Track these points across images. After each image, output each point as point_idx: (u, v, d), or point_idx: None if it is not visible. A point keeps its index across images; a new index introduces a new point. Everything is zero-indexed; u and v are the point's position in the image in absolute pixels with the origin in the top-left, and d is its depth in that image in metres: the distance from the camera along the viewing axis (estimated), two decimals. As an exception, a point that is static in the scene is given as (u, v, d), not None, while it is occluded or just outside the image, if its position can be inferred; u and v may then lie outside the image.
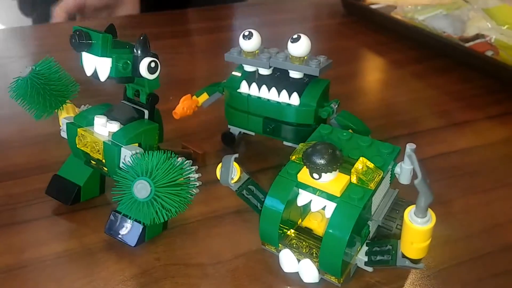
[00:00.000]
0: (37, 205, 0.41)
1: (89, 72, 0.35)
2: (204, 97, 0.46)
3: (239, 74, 0.46)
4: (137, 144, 0.37)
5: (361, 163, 0.32)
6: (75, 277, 0.35)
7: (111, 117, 0.37)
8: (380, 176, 0.32)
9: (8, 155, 0.49)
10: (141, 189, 0.31)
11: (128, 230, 0.36)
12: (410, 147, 0.30)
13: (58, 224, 0.40)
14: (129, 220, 0.36)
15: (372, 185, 0.31)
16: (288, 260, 0.33)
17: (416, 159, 0.27)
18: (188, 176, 0.33)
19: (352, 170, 0.32)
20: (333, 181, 0.31)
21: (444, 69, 0.68)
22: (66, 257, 0.36)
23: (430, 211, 0.28)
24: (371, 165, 0.32)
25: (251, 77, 0.45)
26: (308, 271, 0.32)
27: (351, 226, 0.30)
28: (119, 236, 0.36)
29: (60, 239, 0.38)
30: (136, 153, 0.34)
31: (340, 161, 0.30)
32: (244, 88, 0.45)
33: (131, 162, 0.33)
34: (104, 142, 0.36)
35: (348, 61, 0.72)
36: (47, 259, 0.36)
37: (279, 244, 0.33)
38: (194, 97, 0.46)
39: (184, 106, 0.45)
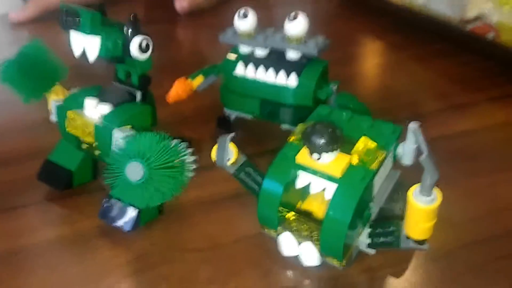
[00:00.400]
0: (29, 191, 0.40)
1: (77, 53, 0.34)
2: (199, 80, 0.45)
3: (235, 56, 0.45)
4: (130, 127, 0.35)
5: (362, 143, 0.31)
6: (69, 263, 0.34)
7: (102, 99, 0.36)
8: (382, 157, 0.31)
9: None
10: (134, 171, 0.30)
11: (123, 215, 0.35)
12: (413, 125, 0.29)
13: (51, 210, 0.39)
14: (123, 205, 0.35)
15: (374, 165, 0.30)
16: (288, 244, 0.32)
17: (421, 134, 0.26)
18: (183, 158, 0.32)
19: (353, 150, 0.31)
20: (333, 162, 0.30)
21: (444, 52, 0.67)
22: (59, 243, 0.35)
23: (435, 190, 0.27)
24: (372, 145, 0.31)
25: (247, 59, 0.44)
26: (309, 254, 0.31)
27: (352, 208, 0.29)
28: (114, 221, 0.35)
29: (53, 225, 0.37)
30: (129, 135, 0.33)
31: (340, 141, 0.29)
32: (240, 70, 0.44)
33: (123, 144, 0.32)
34: (95, 124, 0.35)
35: (346, 45, 0.71)
36: (40, 245, 0.35)
37: (279, 228, 0.32)
38: (189, 80, 0.44)
39: (178, 89, 0.43)
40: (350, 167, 0.30)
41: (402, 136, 0.33)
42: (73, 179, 0.39)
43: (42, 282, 0.32)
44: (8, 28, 0.80)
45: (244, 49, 0.44)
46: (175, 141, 0.32)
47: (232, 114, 0.47)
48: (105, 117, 0.35)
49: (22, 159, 0.44)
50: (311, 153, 0.30)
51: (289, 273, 0.33)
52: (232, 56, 0.45)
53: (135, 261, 0.34)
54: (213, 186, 0.40)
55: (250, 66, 0.43)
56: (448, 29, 0.67)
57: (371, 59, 0.72)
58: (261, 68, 0.43)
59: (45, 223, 0.37)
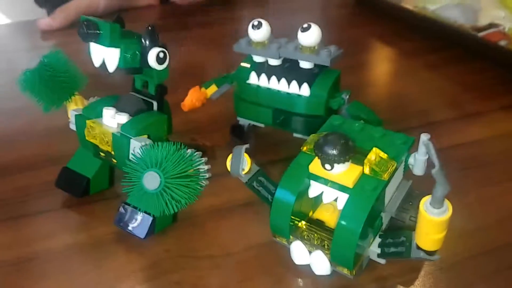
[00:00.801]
0: (46, 198, 0.41)
1: (97, 63, 0.35)
2: (212, 88, 0.46)
3: (248, 65, 0.45)
4: (146, 136, 0.36)
5: (374, 154, 0.31)
6: (84, 269, 0.35)
7: (119, 109, 0.37)
8: (394, 167, 0.31)
9: (17, 148, 0.49)
10: (151, 180, 0.30)
11: (138, 222, 0.36)
12: (424, 136, 0.29)
13: (67, 216, 0.40)
14: (139, 212, 0.36)
15: (385, 176, 0.31)
16: (299, 252, 0.33)
17: (433, 147, 0.26)
18: (197, 167, 0.33)
19: (365, 161, 0.31)
20: (345, 172, 0.31)
21: (457, 59, 0.67)
22: (75, 249, 0.36)
23: (446, 202, 0.27)
24: (384, 155, 0.32)
25: (260, 68, 0.44)
26: (320, 263, 0.32)
27: (364, 218, 0.29)
28: (129, 228, 0.36)
29: (70, 231, 0.38)
30: (146, 144, 0.34)
31: (352, 152, 0.30)
32: (253, 79, 0.45)
33: (140, 153, 0.32)
34: (113, 133, 0.36)
35: (358, 52, 0.71)
36: (57, 251, 0.36)
37: (290, 236, 0.33)
38: (203, 88, 0.45)
39: (192, 98, 0.44)
40: (362, 177, 0.31)
41: (414, 146, 0.33)
42: (90, 186, 0.40)
43: (58, 287, 0.33)
44: (30, 35, 0.82)
45: (257, 58, 0.45)
46: (190, 151, 0.33)
47: (246, 122, 0.47)
48: (123, 127, 0.36)
49: (41, 166, 0.45)
50: (323, 164, 0.30)
51: (300, 281, 0.33)
52: (245, 65, 0.46)
53: (149, 267, 0.34)
54: (226, 194, 0.41)
55: (263, 75, 0.44)
56: (460, 36, 0.68)
57: (383, 66, 0.72)
58: (274, 78, 0.43)
59: (62, 229, 0.38)
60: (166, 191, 0.31)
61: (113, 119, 0.36)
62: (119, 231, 0.37)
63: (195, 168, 0.32)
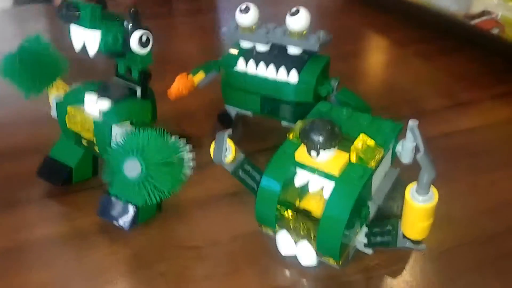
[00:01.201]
0: (29, 188, 0.40)
1: (77, 47, 0.34)
2: (200, 76, 0.45)
3: (236, 51, 0.44)
4: (129, 122, 0.35)
5: (361, 141, 0.31)
6: (67, 260, 0.34)
7: (102, 95, 0.36)
8: (381, 154, 0.31)
9: (0, 136, 0.48)
10: (132, 167, 0.29)
11: (121, 212, 0.35)
12: (412, 122, 0.28)
13: (50, 206, 0.39)
14: (122, 202, 0.35)
15: (372, 163, 0.30)
16: (285, 242, 0.32)
17: (419, 132, 0.26)
18: (181, 155, 0.32)
19: (352, 148, 0.30)
20: (331, 160, 0.30)
21: (449, 48, 0.66)
22: (58, 240, 0.36)
23: (432, 189, 0.26)
24: (371, 142, 0.31)
25: (248, 54, 0.43)
26: (306, 253, 0.31)
27: (350, 206, 0.28)
28: (112, 218, 0.35)
29: (53, 221, 0.37)
30: (128, 131, 0.33)
31: (338, 138, 0.29)
32: (241, 65, 0.44)
33: (121, 140, 0.32)
34: (94, 120, 0.35)
35: (350, 41, 0.70)
36: (39, 241, 0.35)
37: (276, 226, 0.32)
38: (190, 76, 0.44)
39: (179, 85, 0.43)
40: (349, 165, 0.30)
41: (402, 134, 0.32)
42: (73, 175, 0.39)
43: (40, 278, 0.33)
44: (12, 22, 0.80)
45: (245, 44, 0.44)
46: (174, 138, 0.32)
47: (233, 110, 0.46)
48: (104, 113, 0.35)
49: (23, 155, 0.44)
50: (309, 150, 0.29)
51: (286, 271, 0.33)
52: (233, 52, 0.45)
53: (133, 258, 0.34)
54: (212, 183, 0.40)
55: (251, 62, 0.43)
56: (452, 25, 0.67)
57: (375, 55, 0.71)
58: (262, 64, 0.42)
59: (44, 219, 0.37)
60: (148, 180, 0.30)
61: (95, 105, 0.35)
62: (102, 222, 0.36)
63: (178, 156, 0.32)
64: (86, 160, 0.39)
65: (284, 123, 0.44)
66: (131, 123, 0.35)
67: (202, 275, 0.33)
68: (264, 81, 0.42)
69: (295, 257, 0.32)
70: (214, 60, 0.46)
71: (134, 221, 0.35)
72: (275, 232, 0.33)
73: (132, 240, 0.35)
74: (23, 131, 0.48)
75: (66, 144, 0.39)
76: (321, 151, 0.29)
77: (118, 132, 0.34)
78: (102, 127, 0.35)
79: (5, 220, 0.37)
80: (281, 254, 0.33)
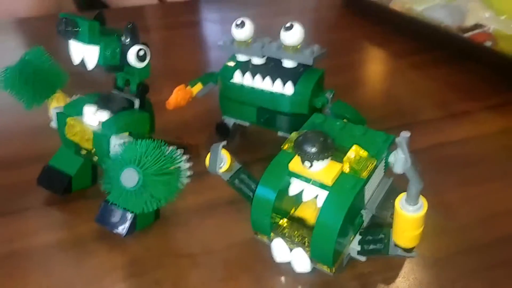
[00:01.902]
0: (28, 196, 0.41)
1: (77, 61, 0.35)
2: (198, 87, 0.46)
3: (233, 64, 0.45)
4: (127, 134, 0.36)
5: (354, 152, 0.32)
6: (65, 267, 0.34)
7: (101, 106, 0.37)
8: (373, 165, 0.32)
9: (1, 145, 0.48)
10: (129, 177, 0.30)
11: (119, 220, 0.35)
12: (403, 134, 0.29)
13: (49, 214, 0.39)
14: (119, 210, 0.35)
15: (364, 173, 0.31)
16: (280, 249, 0.33)
17: (406, 145, 0.26)
18: (178, 165, 0.33)
19: (345, 159, 0.31)
20: (325, 170, 0.31)
21: (443, 60, 0.67)
22: (57, 247, 0.36)
23: (422, 198, 0.27)
24: (364, 153, 0.32)
25: (244, 67, 0.45)
26: (300, 260, 0.32)
27: (342, 215, 0.29)
28: (110, 226, 0.36)
29: (51, 229, 0.38)
30: (126, 141, 0.34)
31: (331, 149, 0.30)
32: (237, 78, 0.45)
33: (119, 150, 0.32)
34: (93, 131, 0.36)
35: (345, 53, 0.71)
36: (37, 249, 0.36)
37: (271, 234, 0.33)
38: (188, 87, 0.45)
39: (177, 96, 0.44)
40: (341, 175, 0.31)
41: (395, 145, 0.33)
42: (72, 184, 0.40)
43: (38, 285, 0.33)
44: (12, 33, 0.81)
45: (241, 57, 0.45)
46: (171, 148, 0.33)
47: (230, 120, 0.47)
48: (103, 124, 0.36)
49: (23, 164, 0.45)
50: (303, 161, 0.30)
51: (281, 278, 0.33)
52: (230, 64, 0.46)
53: (130, 265, 0.34)
54: (209, 192, 0.41)
55: (248, 74, 0.44)
56: (446, 37, 0.68)
57: (371, 67, 0.73)
58: (258, 76, 0.43)
59: (43, 227, 0.38)
60: (146, 188, 0.31)
61: (94, 116, 0.36)
62: (101, 229, 0.36)
63: (175, 166, 0.32)
64: (85, 169, 0.40)
65: (280, 134, 0.45)
66: (130, 134, 0.36)
67: (197, 283, 0.33)
68: (261, 93, 0.43)
69: (289, 264, 0.33)
70: (211, 72, 0.47)
71: (132, 228, 0.35)
72: (270, 240, 0.33)
73: (129, 247, 0.36)
74: (20, 141, 0.49)
75: (66, 154, 0.40)
76: (314, 162, 0.30)
77: (116, 143, 0.35)
78: (100, 137, 0.36)
79: (5, 228, 0.38)
80: (276, 261, 0.33)
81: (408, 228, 0.27)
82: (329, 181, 0.30)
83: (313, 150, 0.29)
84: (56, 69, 0.38)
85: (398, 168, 0.32)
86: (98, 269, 0.34)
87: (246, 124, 0.47)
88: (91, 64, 0.34)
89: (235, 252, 0.35)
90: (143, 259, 0.35)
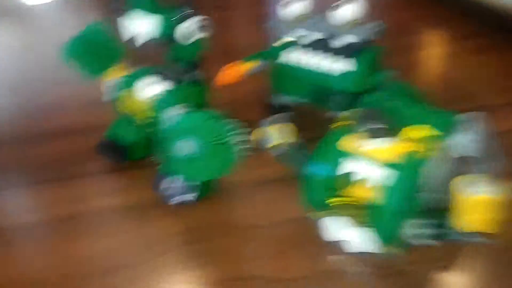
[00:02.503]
0: (89, 163, 0.43)
1: (130, 35, 0.35)
2: (249, 65, 0.45)
3: (287, 41, 0.44)
4: (183, 105, 0.36)
5: (418, 132, 0.30)
6: (122, 231, 0.36)
7: (158, 79, 0.37)
8: (438, 145, 0.30)
9: (63, 115, 0.51)
10: (186, 146, 0.31)
11: (176, 188, 0.36)
12: (473, 114, 0.28)
13: (107, 181, 0.41)
14: (176, 179, 0.36)
15: (428, 153, 0.30)
16: (332, 228, 0.32)
17: (481, 124, 0.25)
18: (234, 138, 0.33)
19: (408, 138, 0.30)
20: (387, 149, 0.30)
21: (508, 43, 0.64)
22: (114, 212, 0.37)
23: (496, 182, 0.26)
24: (429, 133, 0.31)
25: (299, 44, 0.43)
26: (353, 239, 0.31)
27: (403, 195, 0.28)
28: (166, 194, 0.36)
29: (110, 195, 0.39)
30: (182, 112, 0.34)
31: (394, 128, 0.29)
32: (292, 55, 0.44)
33: (177, 120, 0.33)
34: (150, 102, 0.36)
35: (406, 34, 0.69)
36: (95, 213, 0.37)
37: (324, 212, 0.33)
38: (239, 64, 0.45)
39: (229, 73, 0.44)
40: (404, 154, 0.30)
41: (462, 126, 0.32)
42: (130, 153, 0.41)
43: (96, 246, 0.35)
44: (72, 11, 0.84)
45: (296, 34, 0.44)
46: (227, 121, 0.33)
47: (283, 98, 0.47)
48: (161, 95, 0.36)
49: (85, 132, 0.47)
50: (365, 138, 0.30)
51: (333, 257, 0.33)
52: (283, 41, 0.45)
53: (184, 233, 0.35)
54: (263, 168, 0.41)
55: (302, 51, 0.43)
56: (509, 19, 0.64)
57: (433, 49, 0.69)
58: (313, 53, 0.42)
59: (102, 192, 0.40)
60: (203, 158, 0.31)
61: (151, 88, 0.37)
62: (157, 197, 0.37)
63: (231, 138, 0.32)
64: (142, 138, 0.41)
65: (333, 113, 0.44)
66: (185, 106, 0.36)
67: (249, 254, 0.33)
68: (314, 70, 0.42)
69: (341, 243, 0.32)
70: (265, 50, 0.46)
71: (187, 197, 0.36)
72: (321, 218, 0.33)
73: (184, 216, 0.36)
74: (80, 111, 0.51)
75: (123, 124, 0.41)
76: (377, 140, 0.29)
77: (172, 113, 0.35)
78: (158, 108, 0.36)
79: (66, 192, 0.40)
80: (327, 240, 0.33)
81: (475, 210, 0.26)
82: (391, 160, 0.30)
83: (377, 128, 0.29)
84: (114, 44, 0.39)
85: (465, 149, 0.31)
86: (154, 235, 0.35)
87: (299, 102, 0.46)
88: (144, 37, 0.34)
89: (287, 228, 0.35)
90: (197, 229, 0.35)
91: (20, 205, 0.39)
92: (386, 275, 0.32)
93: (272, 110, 0.47)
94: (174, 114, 0.35)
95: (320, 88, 0.43)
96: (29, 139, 0.47)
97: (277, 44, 0.45)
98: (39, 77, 0.60)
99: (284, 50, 0.44)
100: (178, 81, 0.38)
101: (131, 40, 0.35)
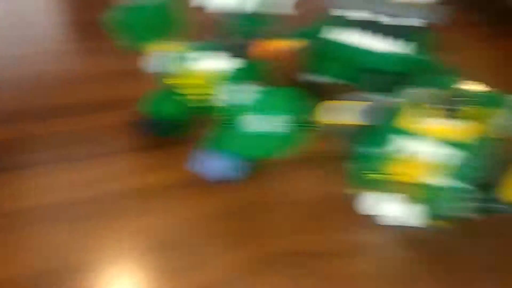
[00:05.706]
0: (122, 139, 0.41)
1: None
2: (288, 43, 0.44)
3: (333, 18, 0.43)
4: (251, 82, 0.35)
5: (481, 113, 0.31)
6: (154, 210, 0.35)
7: (222, 54, 0.36)
8: (494, 125, 0.31)
9: (90, 89, 0.48)
10: (256, 123, 0.30)
11: (212, 166, 0.36)
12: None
13: (143, 157, 0.40)
14: (214, 156, 0.35)
15: (490, 133, 0.30)
16: (375, 204, 0.33)
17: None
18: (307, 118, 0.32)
19: (471, 119, 0.31)
20: (451, 128, 0.30)
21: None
22: (151, 191, 0.36)
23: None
24: (486, 114, 0.31)
25: (346, 22, 0.43)
26: (398, 214, 0.32)
27: (469, 175, 0.29)
28: (203, 171, 0.36)
29: (144, 172, 0.38)
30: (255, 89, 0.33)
31: (462, 109, 0.30)
32: (337, 34, 0.43)
33: (252, 97, 0.32)
34: (213, 77, 0.35)
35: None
36: (126, 192, 0.36)
37: (371, 188, 0.33)
38: (282, 41, 0.43)
39: (266, 49, 0.43)
40: (471, 135, 0.31)
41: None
42: (172, 129, 0.40)
43: (139, 223, 0.34)
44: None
45: (343, 12, 0.43)
46: (304, 101, 0.32)
47: (315, 77, 0.46)
48: (231, 73, 0.35)
49: (116, 107, 0.45)
50: (445, 117, 0.30)
51: (375, 232, 0.33)
52: (329, 19, 0.44)
53: (220, 212, 0.35)
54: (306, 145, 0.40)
55: (349, 30, 0.42)
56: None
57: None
58: (360, 33, 0.42)
59: (136, 169, 0.38)
60: (271, 136, 0.31)
61: (216, 63, 0.36)
62: (192, 175, 0.37)
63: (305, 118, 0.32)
64: (182, 114, 0.40)
65: (378, 94, 0.43)
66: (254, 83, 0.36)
67: (291, 231, 0.33)
68: (361, 50, 0.42)
69: (385, 218, 0.33)
70: (304, 28, 0.45)
71: (230, 176, 0.36)
72: (367, 194, 0.33)
73: (221, 194, 0.36)
74: (113, 85, 0.49)
75: (167, 99, 0.39)
76: (441, 120, 0.30)
77: (244, 90, 0.34)
78: (229, 85, 0.35)
79: (98, 169, 0.38)
80: (370, 215, 0.33)
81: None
82: (457, 139, 0.30)
83: (455, 107, 0.29)
84: (168, 16, 0.38)
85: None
86: (188, 214, 0.34)
87: (331, 82, 0.45)
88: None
89: (329, 204, 0.35)
90: (233, 207, 0.35)
91: (46, 184, 0.37)
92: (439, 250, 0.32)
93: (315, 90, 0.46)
94: (245, 90, 0.34)
95: (366, 70, 0.42)
96: (53, 113, 0.44)
97: (319, 21, 0.44)
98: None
99: (326, 28, 0.43)
100: (242, 57, 0.36)
101: (199, 9, 0.34)
